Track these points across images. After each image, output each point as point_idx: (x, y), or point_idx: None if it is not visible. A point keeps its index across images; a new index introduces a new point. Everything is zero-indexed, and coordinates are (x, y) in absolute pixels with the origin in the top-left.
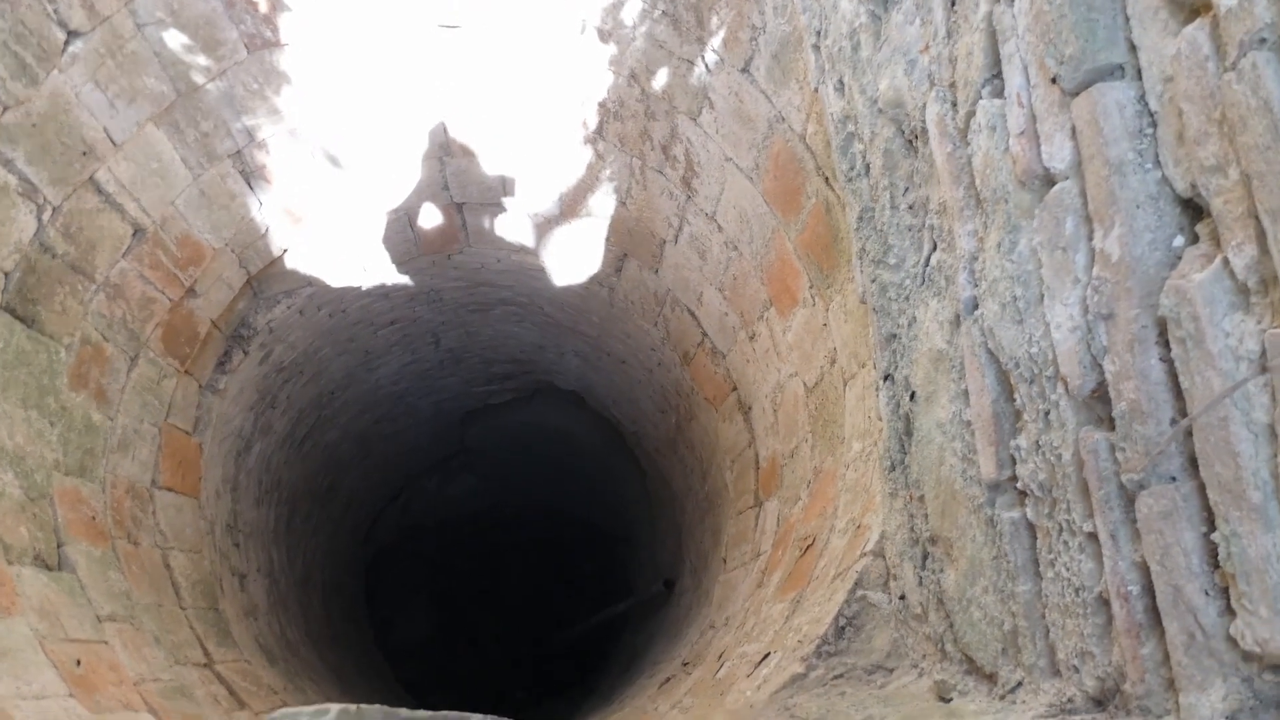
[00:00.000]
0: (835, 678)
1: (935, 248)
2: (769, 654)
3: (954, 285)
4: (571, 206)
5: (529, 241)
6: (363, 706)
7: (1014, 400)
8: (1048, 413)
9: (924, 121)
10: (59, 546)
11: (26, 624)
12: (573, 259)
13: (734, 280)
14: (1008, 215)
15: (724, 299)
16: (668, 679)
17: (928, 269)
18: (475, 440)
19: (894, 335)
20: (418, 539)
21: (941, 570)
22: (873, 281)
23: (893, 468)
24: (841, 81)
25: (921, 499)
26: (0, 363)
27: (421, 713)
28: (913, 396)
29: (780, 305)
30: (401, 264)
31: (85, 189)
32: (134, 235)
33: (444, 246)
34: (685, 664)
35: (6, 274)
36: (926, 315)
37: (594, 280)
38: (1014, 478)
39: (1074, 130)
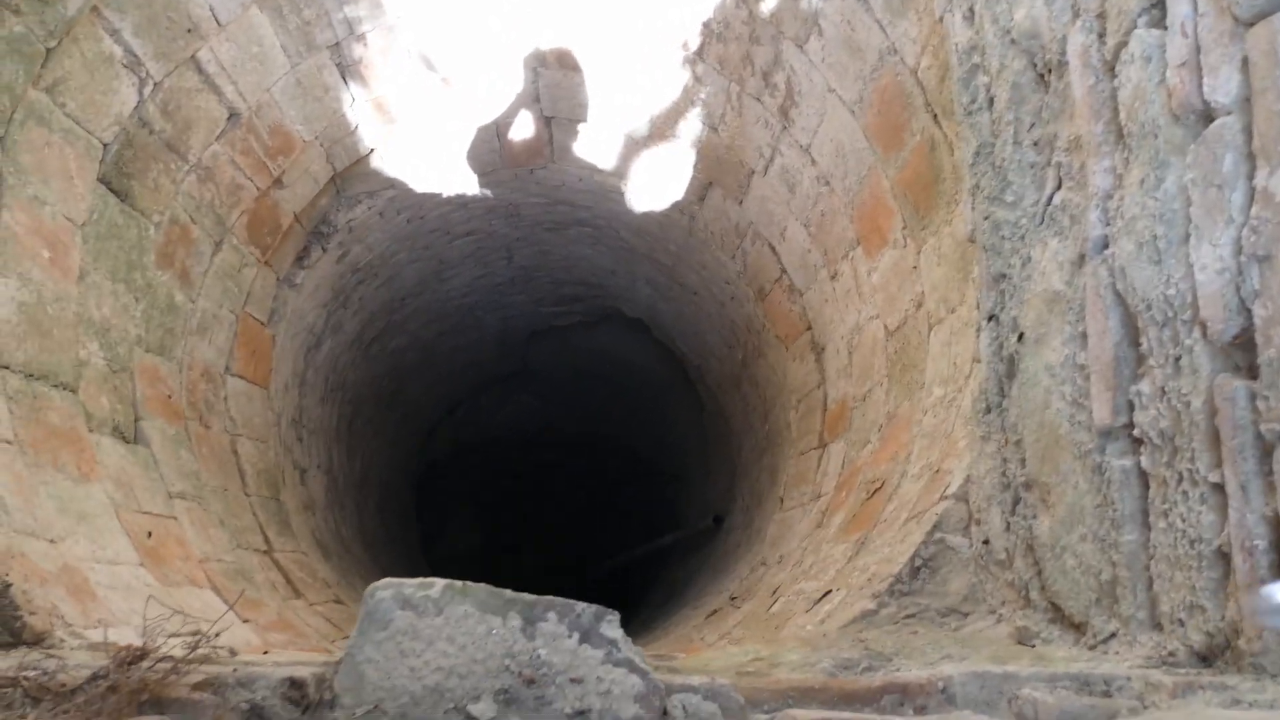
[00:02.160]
0: (907, 617)
1: (1060, 186)
2: (830, 591)
3: (1081, 224)
4: (661, 129)
5: (614, 162)
6: (468, 583)
7: (1139, 344)
8: (1179, 358)
9: (1062, 54)
10: (136, 421)
11: (104, 491)
12: (656, 184)
13: (821, 216)
14: (1156, 151)
15: (808, 235)
16: (714, 611)
17: (1049, 207)
18: (537, 361)
19: (1004, 275)
20: (470, 453)
21: (1034, 516)
22: (985, 219)
23: (988, 410)
24: (972, 10)
25: (1018, 443)
26: (94, 234)
27: (525, 595)
28: (1020, 338)
29: (868, 245)
30: (484, 175)
31: (186, 67)
32: (229, 119)
33: (528, 160)
34: (734, 598)
35: (105, 145)
36: (1044, 255)
37: (675, 207)
38: (1130, 424)
39: (1244, 62)
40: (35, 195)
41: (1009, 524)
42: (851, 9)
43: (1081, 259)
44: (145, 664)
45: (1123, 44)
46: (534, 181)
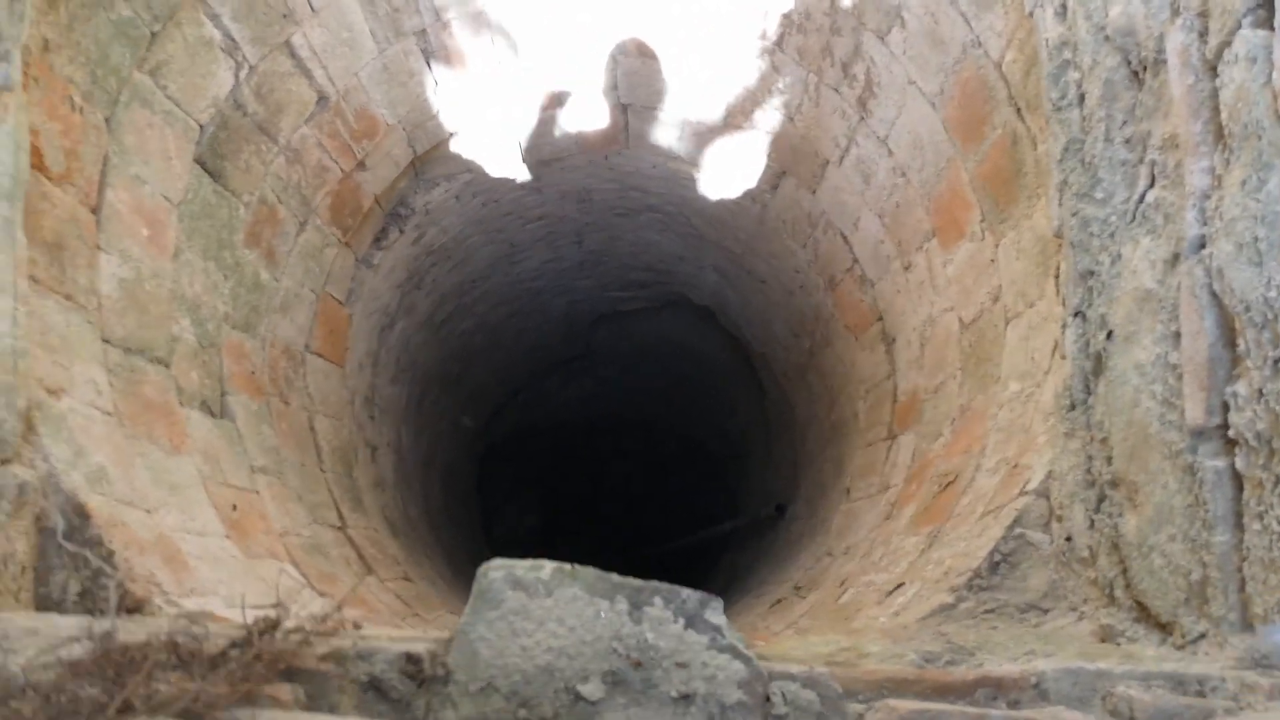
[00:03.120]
0: (986, 612)
1: (1154, 184)
2: (902, 584)
3: (1175, 223)
4: (736, 118)
5: (688, 150)
6: (576, 566)
7: (1235, 345)
8: (1278, 360)
9: (1159, 52)
10: (222, 395)
11: (193, 464)
12: (729, 172)
13: (896, 208)
14: (1259, 152)
15: (882, 226)
16: (779, 600)
17: (1141, 205)
18: (600, 345)
19: (1092, 272)
20: (531, 436)
21: (1120, 515)
22: (1074, 215)
23: (1072, 407)
24: (1064, 6)
25: (1104, 441)
26: (188, 213)
27: (632, 579)
28: (1109, 335)
29: (944, 237)
30: (559, 160)
31: (280, 51)
32: (318, 102)
33: (603, 146)
34: (798, 588)
35: (202, 126)
36: (1135, 253)
37: (747, 195)
38: (1224, 425)
39: None
40: (136, 174)
41: (1093, 521)
42: (935, 2)
43: (1176, 258)
44: (278, 634)
45: (1226, 44)
46: (607, 167)
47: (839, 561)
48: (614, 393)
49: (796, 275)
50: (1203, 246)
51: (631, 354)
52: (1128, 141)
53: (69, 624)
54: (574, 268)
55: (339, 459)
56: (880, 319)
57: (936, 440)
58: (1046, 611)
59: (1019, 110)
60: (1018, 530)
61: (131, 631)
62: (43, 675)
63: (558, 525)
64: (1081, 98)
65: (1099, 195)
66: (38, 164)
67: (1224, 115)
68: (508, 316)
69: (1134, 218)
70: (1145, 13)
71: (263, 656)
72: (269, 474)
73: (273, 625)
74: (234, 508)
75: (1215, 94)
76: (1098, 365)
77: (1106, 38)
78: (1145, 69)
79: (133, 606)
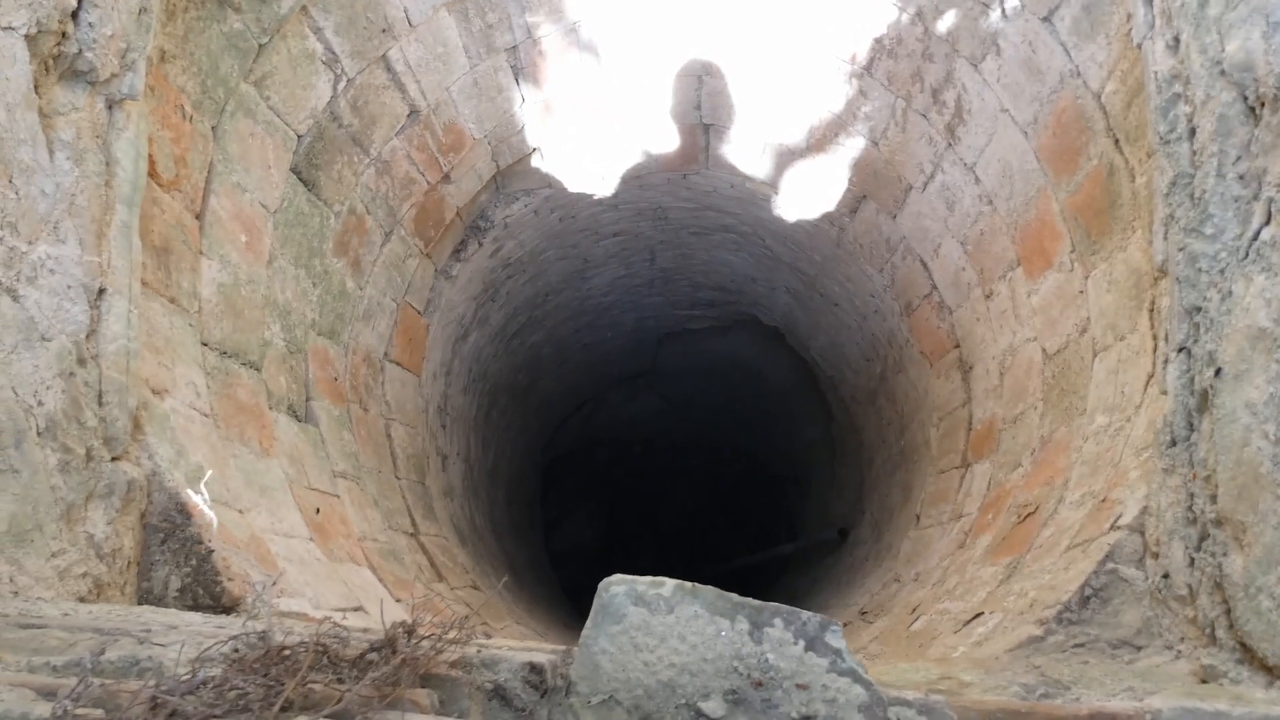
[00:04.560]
0: (1075, 646)
1: (1270, 220)
2: (980, 614)
3: None
4: (819, 141)
5: (767, 171)
6: (696, 585)
7: None
8: None
9: (1278, 88)
10: (307, 400)
11: (280, 467)
12: (808, 194)
13: (980, 235)
14: None
15: (964, 253)
16: (844, 624)
17: (1256, 243)
18: (667, 362)
19: (1199, 308)
20: (593, 450)
21: (1224, 554)
22: (1180, 250)
23: (1173, 443)
24: (1176, 39)
25: (1208, 479)
26: (283, 221)
27: (752, 600)
28: (1218, 373)
29: (1030, 266)
30: (637, 178)
31: (377, 65)
32: (409, 115)
33: (682, 165)
34: (864, 613)
35: (300, 137)
36: (1249, 291)
37: (825, 218)
38: None
39: None
40: (238, 182)
41: (1193, 560)
42: (1035, 30)
43: None
44: (415, 640)
45: None
46: (685, 186)
47: (908, 588)
48: (678, 410)
49: (871, 300)
50: None
51: (697, 372)
52: (1241, 178)
53: (198, 619)
54: (645, 285)
55: (413, 466)
56: (958, 346)
57: (1015, 470)
58: (1140, 649)
59: (1117, 142)
60: (1110, 565)
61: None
62: (210, 671)
63: (617, 539)
64: (1192, 132)
65: (1209, 231)
66: (150, 170)
67: None
68: (576, 330)
69: (1247, 254)
70: (1265, 49)
71: (405, 662)
72: (348, 479)
73: (410, 631)
74: (317, 511)
75: None
76: (1203, 402)
77: (1222, 72)
78: (1263, 105)
79: (229, 605)
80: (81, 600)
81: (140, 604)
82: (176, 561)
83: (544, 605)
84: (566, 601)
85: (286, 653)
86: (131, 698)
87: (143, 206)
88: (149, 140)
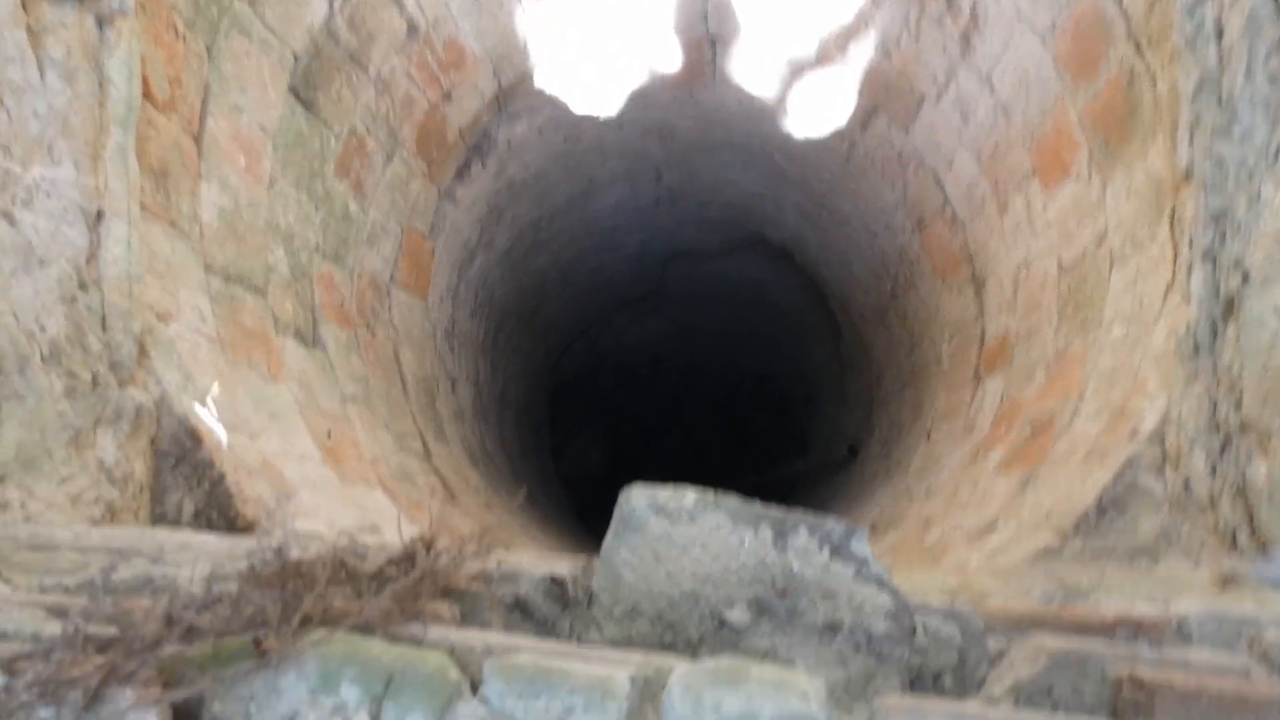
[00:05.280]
0: (1094, 555)
1: None
2: (995, 527)
3: None
4: (829, 53)
5: (776, 85)
6: (719, 494)
7: None
8: None
9: None
10: (314, 325)
11: (289, 391)
12: (817, 109)
13: (995, 147)
14: None
15: (979, 166)
16: None
17: None
18: (674, 283)
19: (1225, 213)
20: (601, 372)
21: (1249, 461)
22: (1206, 155)
23: (1196, 351)
24: None
25: (1232, 386)
26: (282, 143)
27: (775, 508)
28: (1245, 278)
29: (1046, 178)
30: (643, 96)
31: None
32: (408, 32)
33: (689, 81)
34: (874, 527)
35: (296, 56)
36: (1277, 194)
37: (835, 133)
38: None
39: None
40: (235, 103)
41: (1215, 467)
42: None
43: None
44: (434, 553)
45: None
46: (691, 103)
47: (919, 502)
48: (685, 332)
49: (882, 216)
50: None
51: (704, 293)
52: (1272, 78)
53: (213, 539)
54: (651, 205)
55: (423, 390)
56: (970, 261)
57: (1028, 384)
58: (1159, 557)
59: (1138, 46)
60: (1128, 474)
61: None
62: (226, 586)
63: (627, 460)
64: (1219, 31)
65: (1236, 133)
66: (145, 91)
67: None
68: (582, 253)
69: (1276, 157)
70: None
71: (425, 575)
72: (358, 403)
73: (429, 545)
74: (329, 434)
75: None
76: (1229, 309)
77: None
78: None
79: (244, 527)
80: (95, 524)
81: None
82: (189, 486)
83: (555, 525)
84: (577, 521)
85: (303, 568)
86: (145, 614)
87: (138, 128)
88: (142, 60)
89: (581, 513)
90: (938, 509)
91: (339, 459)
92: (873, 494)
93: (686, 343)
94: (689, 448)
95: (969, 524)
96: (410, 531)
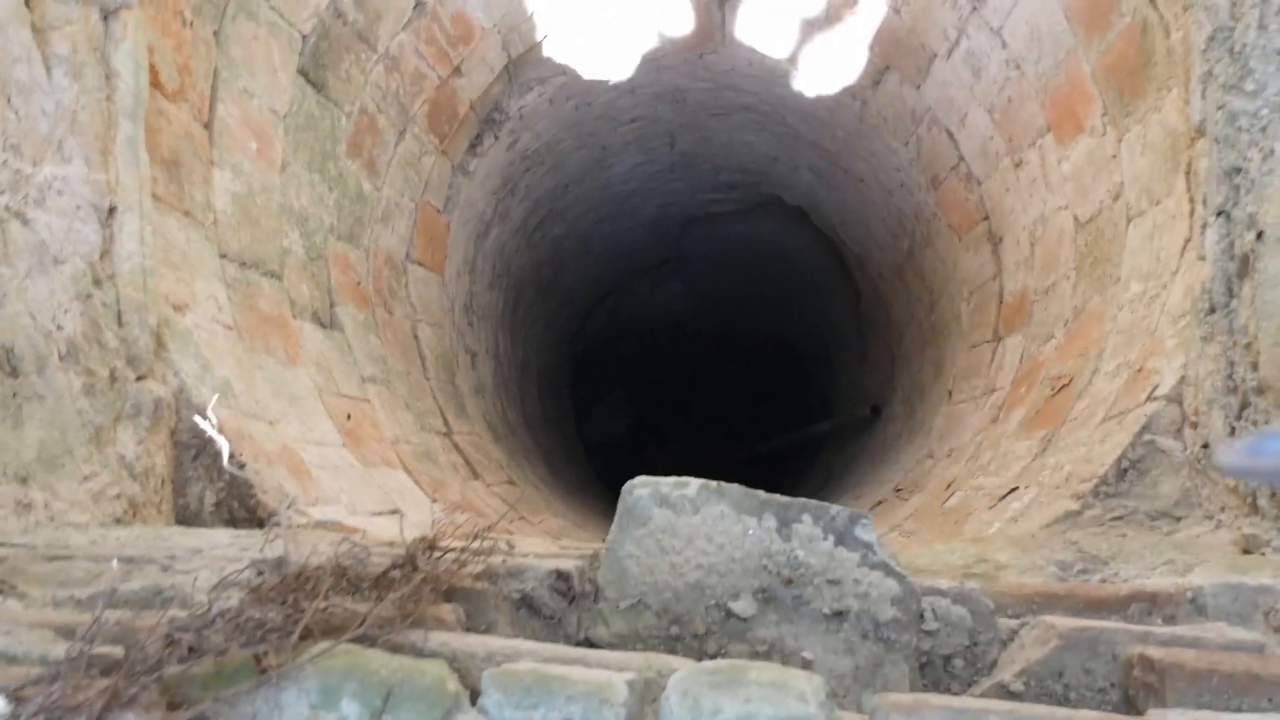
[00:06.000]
0: (1114, 519)
1: None
2: (1016, 489)
3: None
4: (838, 11)
5: (787, 45)
6: (722, 483)
7: None
8: None
9: None
10: (331, 307)
11: (308, 375)
12: (828, 68)
13: (1008, 102)
14: None
15: (992, 122)
16: (879, 502)
17: None
18: (690, 248)
19: (1239, 169)
20: (621, 339)
21: (1266, 421)
22: (1219, 109)
23: (1212, 310)
24: None
25: (1249, 345)
26: (293, 125)
27: (779, 496)
28: (1259, 236)
29: (1060, 132)
30: (653, 60)
31: None
32: (415, 8)
33: (699, 44)
34: (898, 489)
35: (305, 37)
36: None
37: (847, 92)
38: None
39: None
40: (245, 88)
41: (1234, 428)
42: None
43: None
44: (436, 554)
45: None
46: (702, 66)
47: (942, 464)
48: (705, 295)
49: (896, 174)
50: None
51: (722, 256)
52: None
53: (225, 539)
54: (665, 170)
55: (442, 366)
56: (986, 218)
57: (1048, 342)
58: (1179, 520)
59: None
60: (1147, 436)
61: (296, 551)
62: (226, 603)
63: (650, 426)
64: None
65: (1249, 87)
66: (153, 81)
67: None
68: (598, 220)
69: None
70: None
71: (426, 580)
72: (378, 383)
73: (430, 545)
74: (348, 417)
75: None
76: (1244, 267)
77: None
78: None
79: (265, 517)
80: (118, 521)
81: (178, 521)
82: (210, 477)
83: (580, 494)
84: (602, 489)
85: (305, 577)
86: (149, 633)
87: (148, 119)
88: (149, 50)
89: (607, 479)
90: (960, 471)
91: (359, 441)
92: (897, 455)
93: (706, 306)
94: (713, 410)
95: (990, 487)
96: (426, 519)
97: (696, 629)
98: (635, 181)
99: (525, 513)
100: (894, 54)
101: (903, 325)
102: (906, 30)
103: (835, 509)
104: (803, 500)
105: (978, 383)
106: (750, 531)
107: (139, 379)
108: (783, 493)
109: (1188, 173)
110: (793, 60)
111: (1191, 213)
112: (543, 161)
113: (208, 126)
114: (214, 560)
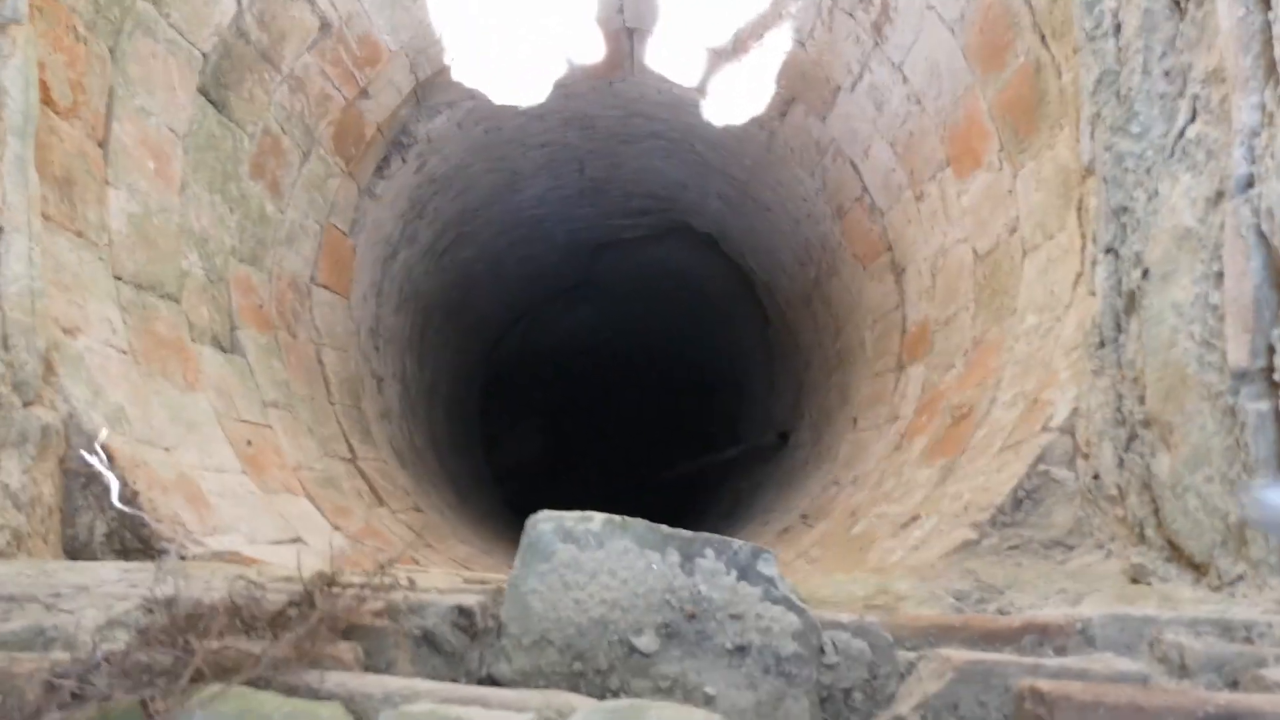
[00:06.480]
0: (1010, 548)
1: (1195, 118)
2: (918, 517)
3: (1219, 160)
4: (745, 43)
5: (695, 75)
6: (626, 518)
7: None
8: None
9: None
10: (232, 330)
11: (207, 400)
12: (736, 98)
13: (909, 136)
14: None
15: (894, 155)
16: (786, 529)
17: (1181, 140)
18: (602, 273)
19: (1125, 208)
20: (532, 364)
21: (1153, 454)
22: (1107, 150)
23: (1102, 344)
24: None
25: (1136, 380)
26: (194, 145)
27: (682, 531)
28: (1145, 274)
29: (959, 166)
30: (563, 87)
31: None
32: (320, 29)
33: (608, 72)
34: (804, 516)
35: (205, 55)
36: (1174, 190)
37: (755, 122)
38: (1269, 368)
39: None
40: (142, 106)
41: (1123, 460)
42: None
43: (1219, 196)
44: (335, 590)
45: None
46: (611, 94)
47: (847, 491)
48: (615, 320)
49: (803, 203)
50: (1250, 185)
51: (633, 282)
52: (1167, 74)
53: (114, 575)
54: (576, 195)
55: (347, 391)
56: (890, 249)
57: (948, 372)
58: (1072, 549)
59: (1043, 38)
60: (1042, 466)
61: (188, 588)
62: (112, 645)
63: (560, 451)
64: (1118, 27)
65: (1135, 129)
66: (45, 98)
67: (1277, 50)
68: (509, 245)
69: (1173, 153)
70: None
71: (324, 618)
72: (280, 408)
73: (329, 582)
74: (249, 443)
75: (1268, 27)
76: (1130, 303)
77: None
78: None
79: (159, 548)
80: (0, 554)
81: (67, 552)
82: (100, 506)
83: (489, 520)
84: (511, 516)
85: (196, 616)
86: (28, 678)
87: (39, 136)
88: (40, 66)
89: (518, 505)
90: (864, 499)
91: (260, 468)
92: (804, 481)
93: (618, 331)
94: (624, 435)
95: (893, 514)
96: (325, 552)
97: (600, 665)
98: (546, 206)
99: (432, 540)
100: (800, 86)
101: (810, 352)
102: (812, 63)
103: (738, 544)
104: (706, 535)
105: (882, 410)
106: (654, 566)
107: (26, 405)
108: (691, 518)
109: (1079, 209)
110: (701, 89)
111: (1083, 248)
112: (451, 185)
113: (103, 145)
114: (101, 598)
